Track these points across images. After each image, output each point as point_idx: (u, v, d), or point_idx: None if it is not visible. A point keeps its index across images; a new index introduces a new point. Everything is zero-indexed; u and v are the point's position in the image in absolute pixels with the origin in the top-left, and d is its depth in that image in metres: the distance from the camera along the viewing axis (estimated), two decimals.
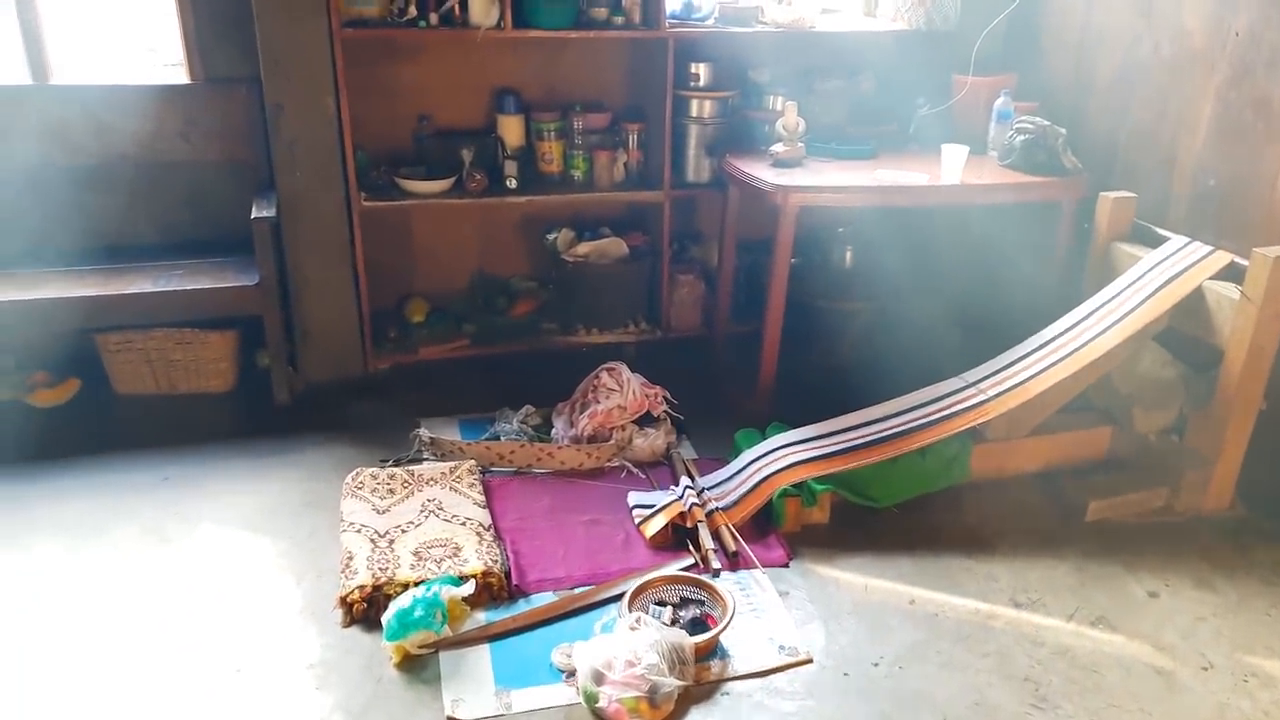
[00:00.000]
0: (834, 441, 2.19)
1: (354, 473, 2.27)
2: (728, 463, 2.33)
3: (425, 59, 2.87)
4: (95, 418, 2.63)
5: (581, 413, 2.50)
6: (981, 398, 2.20)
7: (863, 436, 2.18)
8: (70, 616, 1.85)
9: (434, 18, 2.65)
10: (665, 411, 2.52)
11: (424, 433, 2.46)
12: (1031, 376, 2.20)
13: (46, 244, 2.67)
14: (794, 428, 2.30)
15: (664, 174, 2.93)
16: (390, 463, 2.37)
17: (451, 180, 2.80)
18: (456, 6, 2.68)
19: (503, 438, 2.50)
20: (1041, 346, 2.28)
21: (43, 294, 2.45)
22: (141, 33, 2.85)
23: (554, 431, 2.54)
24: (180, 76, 2.75)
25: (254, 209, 2.58)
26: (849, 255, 3.01)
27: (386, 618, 1.74)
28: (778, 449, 2.21)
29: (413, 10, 2.64)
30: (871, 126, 2.99)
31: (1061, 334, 2.29)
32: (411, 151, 2.93)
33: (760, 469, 2.16)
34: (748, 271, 3.14)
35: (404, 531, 2.04)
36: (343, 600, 1.84)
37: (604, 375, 2.56)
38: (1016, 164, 2.66)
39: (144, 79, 2.78)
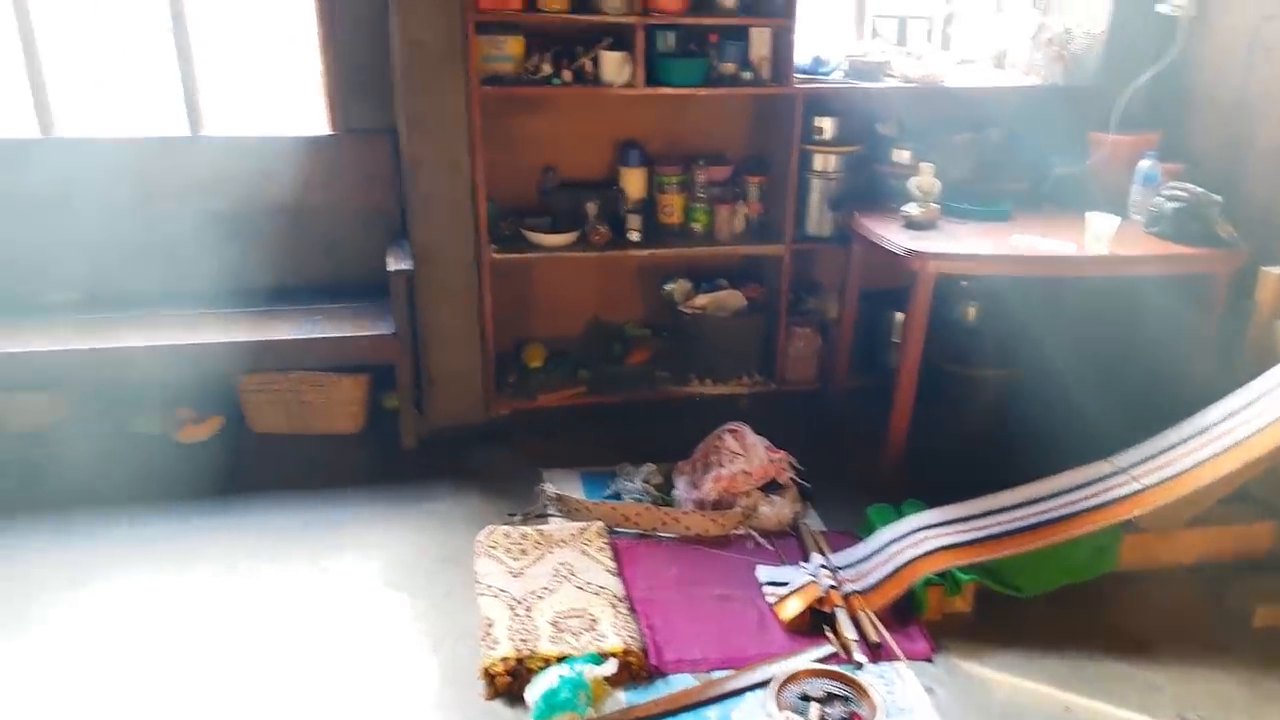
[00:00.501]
0: (978, 526, 2.11)
1: (486, 530, 2.30)
2: (858, 538, 2.28)
3: (551, 112, 2.91)
4: (236, 456, 2.74)
5: (704, 474, 2.49)
6: (1135, 486, 2.10)
7: (1009, 522, 2.10)
8: (215, 668, 1.91)
9: (567, 75, 2.69)
10: (791, 479, 2.49)
11: (550, 488, 2.48)
12: (1190, 467, 2.09)
13: (196, 287, 2.80)
14: (930, 505, 2.24)
15: (786, 228, 2.90)
16: (518, 519, 2.40)
17: (576, 234, 2.83)
18: (588, 64, 2.71)
19: (625, 496, 2.51)
20: (1201, 433, 2.16)
21: (197, 339, 2.57)
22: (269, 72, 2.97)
23: (675, 492, 2.53)
24: (313, 109, 2.84)
25: (390, 259, 2.66)
26: (973, 312, 2.93)
27: (532, 698, 1.75)
28: (918, 530, 2.15)
29: (546, 68, 2.69)
30: (1002, 183, 2.90)
31: (1222, 420, 2.16)
32: (536, 202, 2.98)
33: (900, 552, 2.10)
34: (865, 323, 3.08)
35: (540, 598, 2.06)
36: (486, 672, 1.86)
37: (727, 437, 2.54)
38: (1165, 232, 2.54)
39: (287, 130, 2.90)
